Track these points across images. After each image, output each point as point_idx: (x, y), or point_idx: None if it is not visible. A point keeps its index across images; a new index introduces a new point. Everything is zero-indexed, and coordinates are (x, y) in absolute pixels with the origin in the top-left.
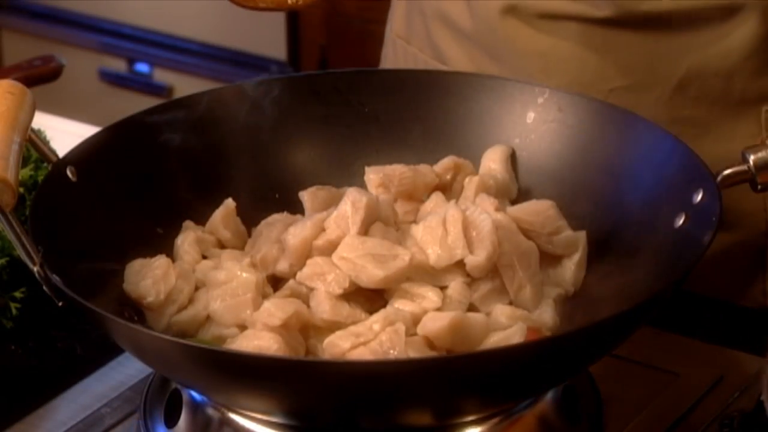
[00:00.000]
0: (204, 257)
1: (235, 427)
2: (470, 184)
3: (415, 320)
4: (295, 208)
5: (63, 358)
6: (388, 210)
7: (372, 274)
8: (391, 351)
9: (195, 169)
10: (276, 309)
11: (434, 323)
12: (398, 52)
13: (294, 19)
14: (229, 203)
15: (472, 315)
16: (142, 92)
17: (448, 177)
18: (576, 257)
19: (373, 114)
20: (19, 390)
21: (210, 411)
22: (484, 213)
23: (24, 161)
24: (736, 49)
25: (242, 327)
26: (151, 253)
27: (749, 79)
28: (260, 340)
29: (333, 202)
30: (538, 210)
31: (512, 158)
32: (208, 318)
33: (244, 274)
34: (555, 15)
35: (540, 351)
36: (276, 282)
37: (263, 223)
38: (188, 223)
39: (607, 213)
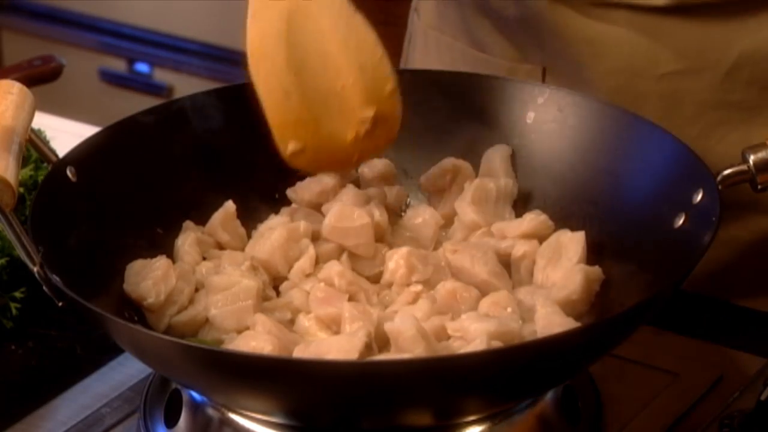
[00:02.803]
0: (204, 258)
1: (235, 427)
2: (469, 188)
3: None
4: None
5: (63, 358)
6: None
7: None
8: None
9: (195, 169)
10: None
11: None
12: (430, 42)
13: None
14: (229, 206)
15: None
16: (142, 92)
17: (447, 178)
18: (575, 257)
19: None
20: (19, 390)
21: (210, 411)
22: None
23: (24, 161)
24: None
25: (242, 332)
26: (151, 253)
27: None
28: (256, 341)
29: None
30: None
31: (512, 158)
32: (208, 319)
33: (245, 281)
34: (608, 2)
35: (540, 351)
36: (278, 283)
37: (264, 225)
38: (188, 224)
39: (607, 213)
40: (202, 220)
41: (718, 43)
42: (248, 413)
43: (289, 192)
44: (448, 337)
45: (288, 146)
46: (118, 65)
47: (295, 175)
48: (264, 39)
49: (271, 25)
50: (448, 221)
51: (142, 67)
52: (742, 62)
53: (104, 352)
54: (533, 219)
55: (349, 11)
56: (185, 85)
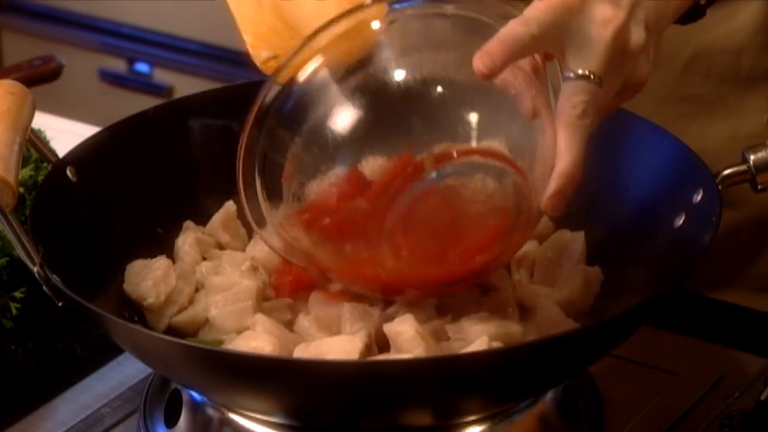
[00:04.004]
0: (204, 258)
1: (235, 427)
2: None
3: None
4: None
5: (63, 358)
6: None
7: None
8: None
9: (195, 169)
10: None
11: None
12: None
13: None
14: (230, 207)
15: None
16: (142, 92)
17: None
18: (575, 257)
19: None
20: (19, 390)
21: (210, 411)
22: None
23: (24, 161)
24: (743, 26)
25: (242, 332)
26: (151, 253)
27: (757, 54)
28: (256, 341)
29: None
30: None
31: None
32: (208, 319)
33: (245, 281)
34: None
35: (540, 351)
36: None
37: None
38: (188, 224)
39: (607, 213)
40: (202, 220)
41: (674, 38)
42: (248, 413)
43: None
44: (448, 338)
45: (261, 54)
46: (118, 65)
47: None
48: None
49: None
50: None
51: (142, 67)
52: (699, 56)
53: (104, 352)
54: None
55: None
56: (185, 85)
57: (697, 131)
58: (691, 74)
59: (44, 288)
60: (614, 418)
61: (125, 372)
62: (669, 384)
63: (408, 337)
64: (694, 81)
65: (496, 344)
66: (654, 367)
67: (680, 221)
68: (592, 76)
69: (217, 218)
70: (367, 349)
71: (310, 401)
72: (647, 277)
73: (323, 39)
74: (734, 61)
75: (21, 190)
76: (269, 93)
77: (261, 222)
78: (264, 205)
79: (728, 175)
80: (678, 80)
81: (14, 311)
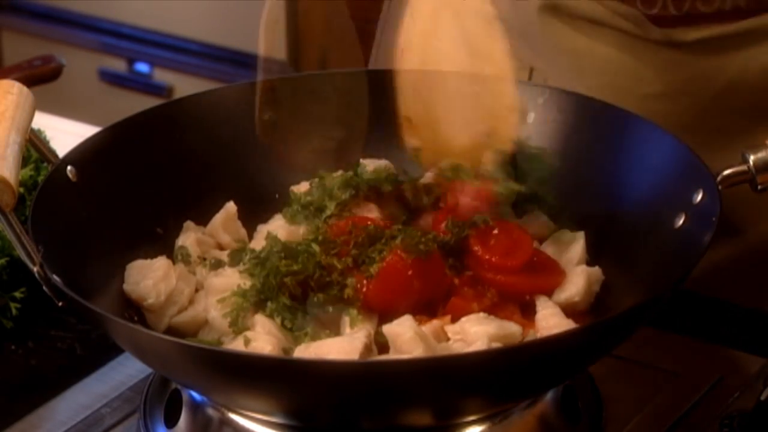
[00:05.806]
0: (204, 258)
1: (235, 427)
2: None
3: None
4: None
5: (63, 358)
6: None
7: None
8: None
9: (195, 169)
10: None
11: None
12: None
13: (294, 19)
14: (230, 207)
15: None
16: (142, 92)
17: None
18: (576, 258)
19: (372, 114)
20: (19, 390)
21: (210, 411)
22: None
23: (24, 161)
24: None
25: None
26: (151, 253)
27: None
28: (256, 341)
29: None
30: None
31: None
32: (208, 320)
33: (244, 282)
34: (596, 21)
35: (540, 351)
36: None
37: (265, 226)
38: (189, 224)
39: (607, 213)
40: (202, 220)
41: (706, 73)
42: (248, 413)
43: (293, 190)
44: (448, 339)
45: (409, 141)
46: (118, 65)
47: (297, 175)
48: (412, 35)
49: (422, 21)
50: None
51: (142, 67)
52: (729, 91)
53: (104, 352)
54: (533, 220)
55: (490, 16)
56: (185, 85)
57: (716, 163)
58: (717, 107)
59: (44, 288)
60: (614, 418)
61: (125, 372)
62: (669, 384)
63: (407, 338)
64: (719, 114)
65: (496, 344)
66: (654, 367)
67: (680, 221)
68: None
69: (217, 218)
70: (367, 350)
71: (310, 401)
72: (647, 277)
73: None
74: (762, 98)
75: (21, 190)
76: None
77: None
78: None
79: (728, 176)
80: (704, 111)
81: (14, 311)
